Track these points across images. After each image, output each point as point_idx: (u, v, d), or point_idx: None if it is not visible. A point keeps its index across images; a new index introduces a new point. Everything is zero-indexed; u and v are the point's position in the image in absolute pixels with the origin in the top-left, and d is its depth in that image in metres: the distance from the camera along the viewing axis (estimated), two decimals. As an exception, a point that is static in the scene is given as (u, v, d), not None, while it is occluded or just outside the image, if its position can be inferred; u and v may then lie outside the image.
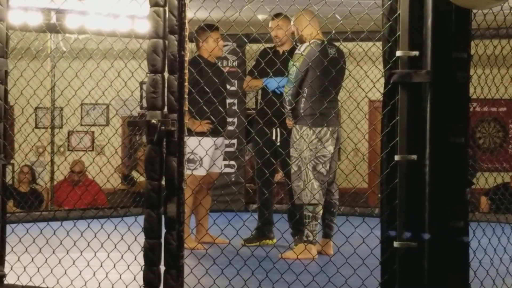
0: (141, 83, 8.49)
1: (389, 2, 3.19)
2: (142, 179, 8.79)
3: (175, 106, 3.40)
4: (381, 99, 3.20)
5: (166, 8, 3.40)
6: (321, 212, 5.41)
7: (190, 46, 3.56)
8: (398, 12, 3.15)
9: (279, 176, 7.20)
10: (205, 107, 4.93)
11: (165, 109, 3.42)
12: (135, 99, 8.23)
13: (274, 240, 6.06)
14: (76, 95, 5.16)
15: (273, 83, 5.88)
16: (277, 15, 5.87)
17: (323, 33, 5.51)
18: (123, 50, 5.79)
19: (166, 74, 3.41)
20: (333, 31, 4.10)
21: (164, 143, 3.40)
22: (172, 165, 3.38)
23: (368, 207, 7.98)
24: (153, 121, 3.37)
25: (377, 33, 3.44)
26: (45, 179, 8.52)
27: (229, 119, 7.47)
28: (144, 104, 8.48)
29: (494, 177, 5.79)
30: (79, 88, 5.08)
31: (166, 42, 3.40)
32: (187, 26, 3.43)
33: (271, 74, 5.66)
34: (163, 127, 3.37)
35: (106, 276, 3.97)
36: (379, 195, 3.22)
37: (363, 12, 3.67)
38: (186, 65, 3.43)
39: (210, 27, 5.80)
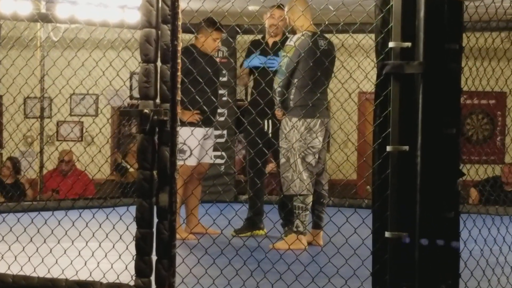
0: (132, 74, 8.47)
1: (382, -7, 3.19)
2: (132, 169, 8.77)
3: (167, 96, 3.40)
4: (372, 90, 3.21)
5: (159, -2, 3.39)
6: (311, 202, 5.42)
7: (183, 36, 3.56)
8: (390, 4, 3.16)
9: (271, 166, 7.21)
10: (197, 97, 4.92)
11: (158, 99, 3.42)
12: (127, 87, 8.21)
13: (265, 230, 6.08)
14: (67, 84, 5.15)
15: (255, 60, 5.85)
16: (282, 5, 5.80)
17: (315, 24, 5.51)
18: (114, 40, 5.77)
19: (158, 64, 3.41)
20: (326, 22, 4.10)
21: (157, 133, 3.40)
22: (165, 155, 3.38)
23: (357, 199, 7.98)
24: (146, 110, 3.37)
25: (370, 25, 3.45)
26: (34, 169, 8.50)
27: (220, 110, 7.45)
28: (134, 94, 8.46)
29: (484, 168, 5.82)
30: (70, 79, 5.06)
31: (159, 32, 3.40)
32: (180, 15, 3.42)
33: (256, 54, 5.61)
34: (155, 117, 3.37)
35: (98, 266, 3.97)
36: (368, 187, 3.23)
37: (355, 4, 3.68)
38: (179, 54, 3.43)
39: (215, 25, 5.76)
